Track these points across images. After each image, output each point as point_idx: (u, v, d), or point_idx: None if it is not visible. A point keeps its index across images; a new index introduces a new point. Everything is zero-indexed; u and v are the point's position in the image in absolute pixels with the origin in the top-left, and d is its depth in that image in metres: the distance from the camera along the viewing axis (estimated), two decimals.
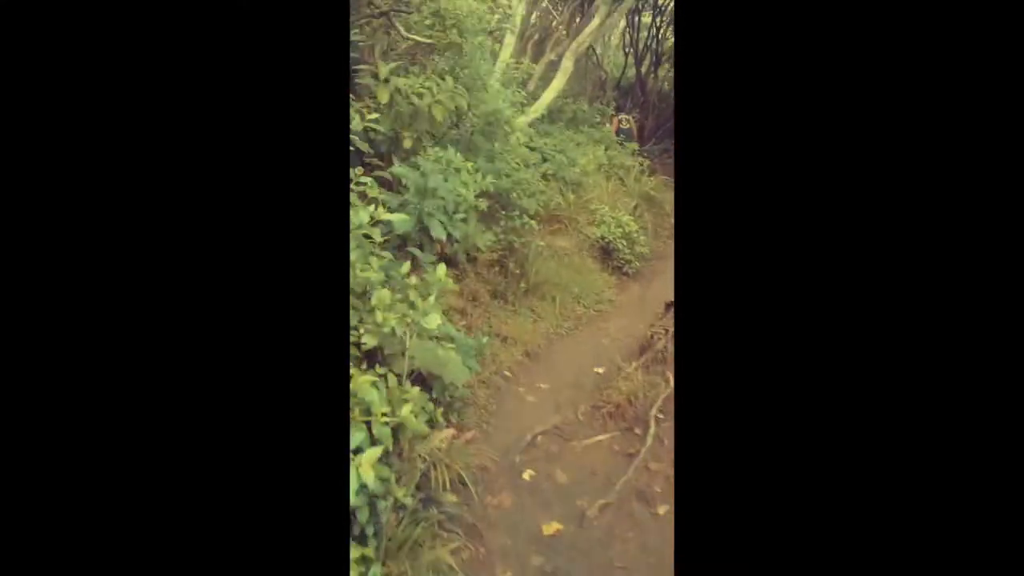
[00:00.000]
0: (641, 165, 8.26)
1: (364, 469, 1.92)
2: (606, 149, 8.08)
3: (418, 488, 2.56)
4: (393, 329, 2.49)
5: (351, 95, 3.70)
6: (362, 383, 2.26)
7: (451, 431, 2.98)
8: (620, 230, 6.37)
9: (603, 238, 6.33)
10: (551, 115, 8.25)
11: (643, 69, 11.25)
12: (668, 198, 7.82)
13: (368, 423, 2.19)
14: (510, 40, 7.35)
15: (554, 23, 9.87)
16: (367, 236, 2.71)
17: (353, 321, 2.56)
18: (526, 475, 3.19)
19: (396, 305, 2.60)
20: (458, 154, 4.03)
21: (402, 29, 4.23)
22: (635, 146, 8.69)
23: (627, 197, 7.41)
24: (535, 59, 9.09)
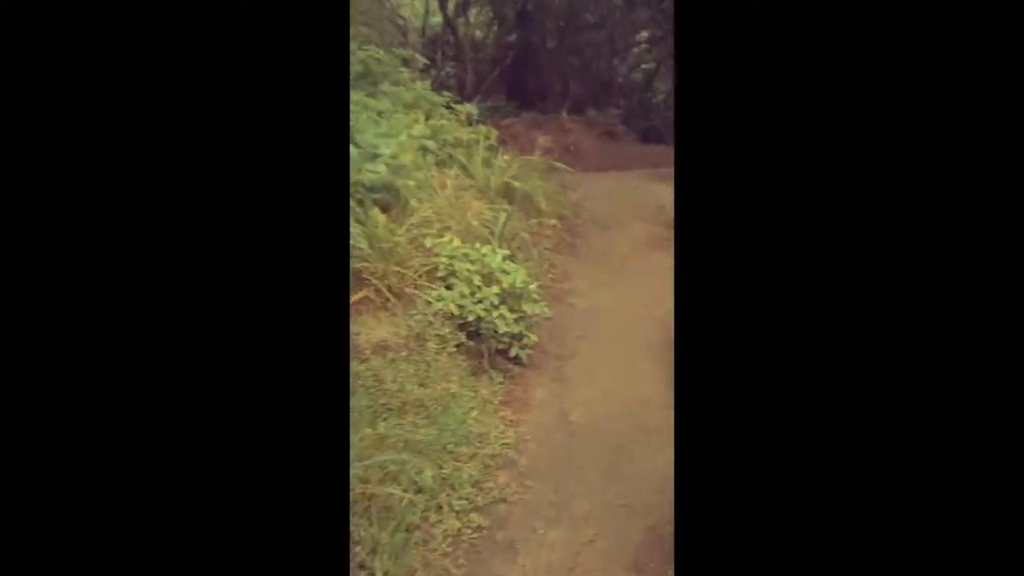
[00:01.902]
0: (487, 136, 4.63)
1: None
2: (427, 118, 4.32)
3: None
4: None
5: None
6: None
7: None
8: (487, 288, 2.76)
9: (458, 314, 2.71)
10: None
11: (450, 12, 9.05)
12: (544, 189, 4.31)
13: None
14: None
15: None
16: None
17: None
18: None
19: None
20: None
21: None
22: (472, 109, 5.14)
23: (483, 203, 3.76)
24: None
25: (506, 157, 4.49)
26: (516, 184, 4.05)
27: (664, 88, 10.67)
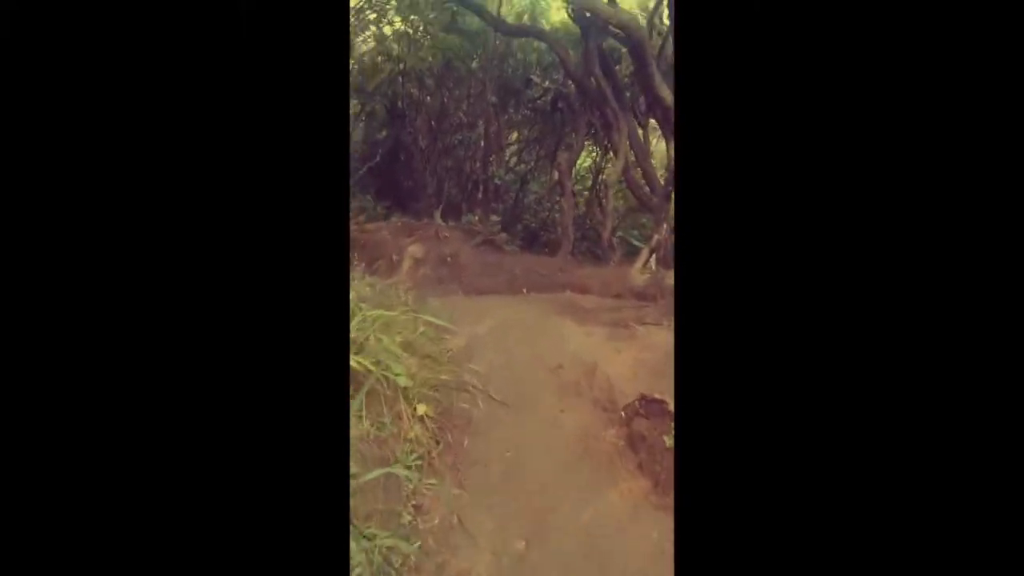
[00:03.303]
0: None
1: None
2: None
3: None
4: None
5: None
6: None
7: None
8: None
9: None
10: None
11: None
12: (404, 349, 2.57)
13: None
14: None
15: None
16: None
17: None
18: None
19: None
20: None
21: None
22: None
23: None
24: None
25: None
26: (361, 350, 2.25)
27: (536, 189, 9.67)
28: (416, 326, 2.92)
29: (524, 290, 4.82)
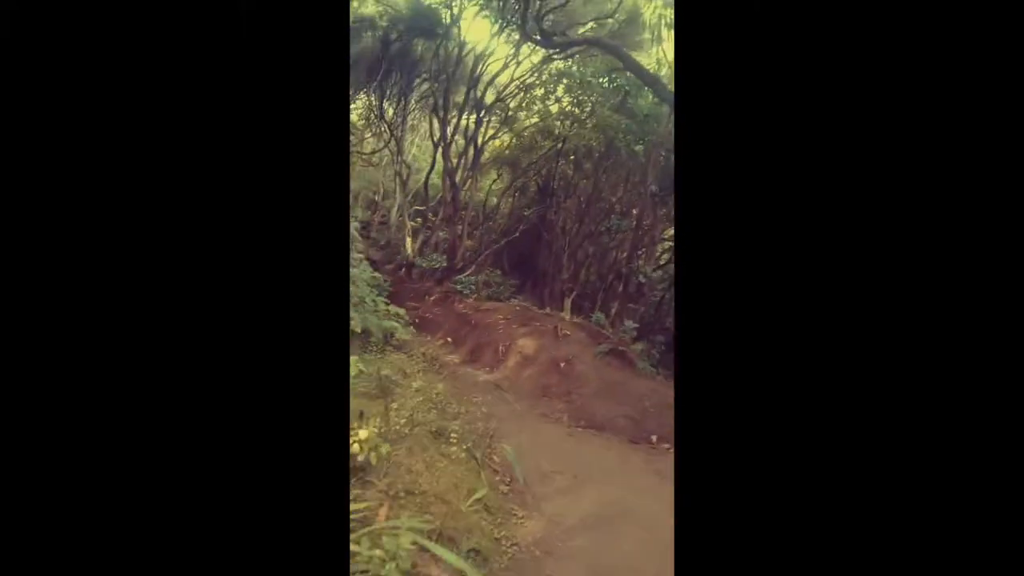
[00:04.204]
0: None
1: None
2: None
3: None
4: None
5: None
6: None
7: None
8: None
9: None
10: None
11: (457, 177, 7.74)
12: None
13: None
14: None
15: None
16: None
17: None
18: None
19: None
20: None
21: None
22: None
23: None
24: None
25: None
26: None
27: None
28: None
29: (653, 438, 3.44)
